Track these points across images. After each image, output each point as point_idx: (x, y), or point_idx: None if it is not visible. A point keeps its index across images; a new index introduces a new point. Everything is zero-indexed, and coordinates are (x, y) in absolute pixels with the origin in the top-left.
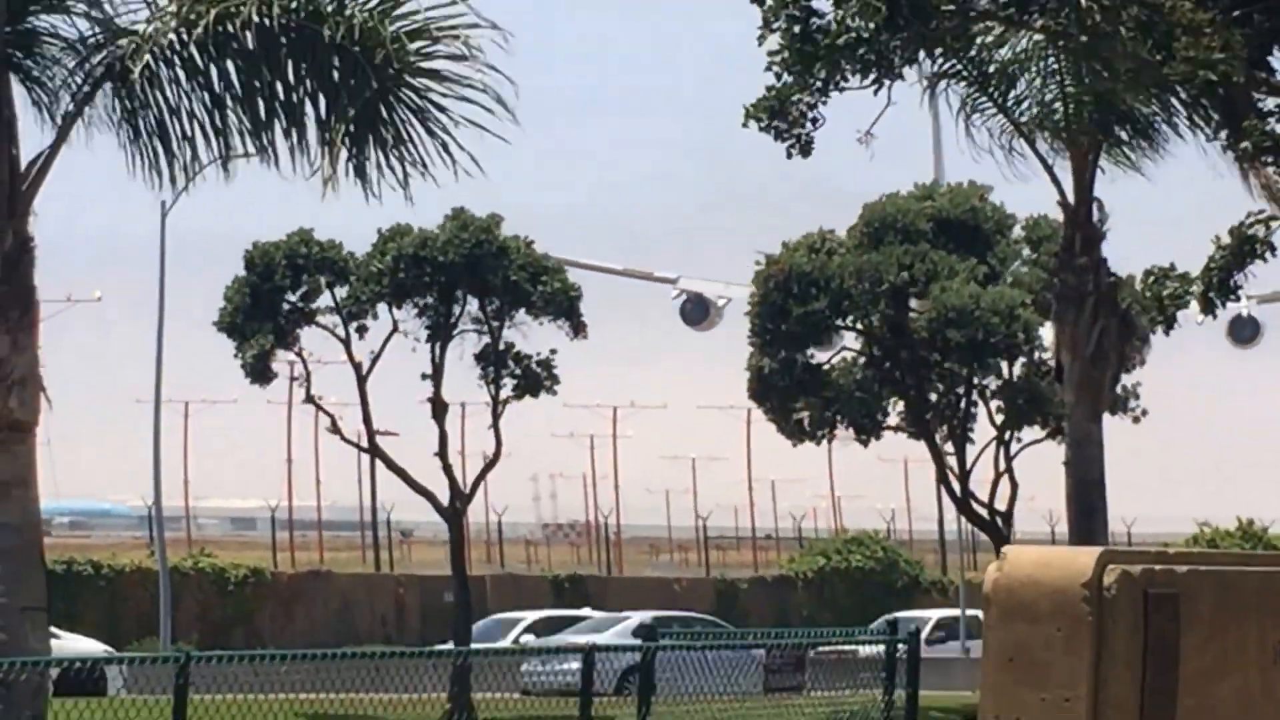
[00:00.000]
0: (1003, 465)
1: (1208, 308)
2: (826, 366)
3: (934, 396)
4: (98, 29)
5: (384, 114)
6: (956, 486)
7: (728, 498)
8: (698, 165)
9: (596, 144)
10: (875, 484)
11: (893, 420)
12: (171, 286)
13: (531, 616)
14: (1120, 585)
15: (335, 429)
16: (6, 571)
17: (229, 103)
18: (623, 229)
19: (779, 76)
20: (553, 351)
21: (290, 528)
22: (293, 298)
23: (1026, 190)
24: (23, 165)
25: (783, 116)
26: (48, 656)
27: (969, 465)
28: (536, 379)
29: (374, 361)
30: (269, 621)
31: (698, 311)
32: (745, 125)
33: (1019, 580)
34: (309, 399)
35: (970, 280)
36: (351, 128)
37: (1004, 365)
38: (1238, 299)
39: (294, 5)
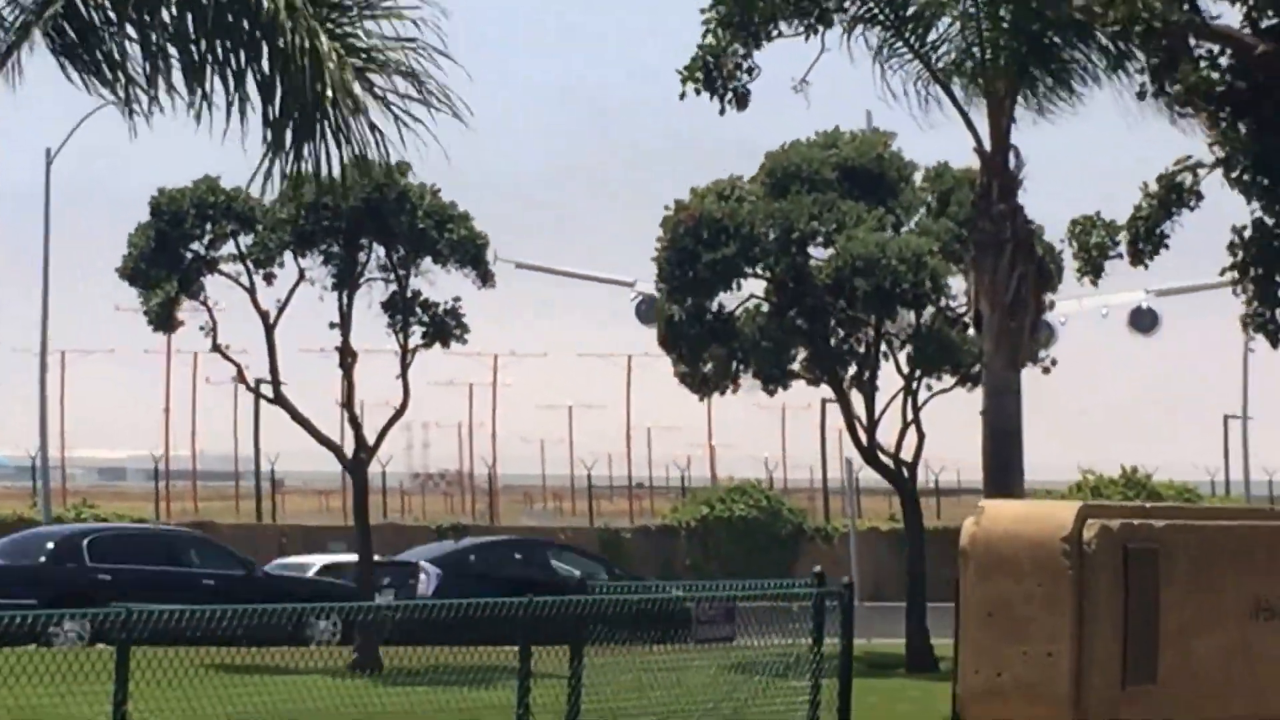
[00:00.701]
0: (910, 415)
1: (1136, 258)
2: (736, 314)
3: (834, 343)
4: None
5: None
6: (863, 435)
7: (603, 447)
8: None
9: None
10: (751, 432)
11: (797, 368)
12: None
13: (320, 561)
14: (1100, 540)
15: (241, 378)
16: None
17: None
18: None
19: (713, 33)
20: (456, 299)
21: (165, 478)
22: (198, 246)
23: (932, 138)
24: None
25: (718, 69)
26: None
27: (876, 415)
28: (445, 327)
29: (280, 310)
30: None
31: (652, 313)
32: (682, 96)
33: (997, 535)
34: (215, 348)
35: (877, 228)
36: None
37: (911, 314)
38: (1167, 247)
39: None
